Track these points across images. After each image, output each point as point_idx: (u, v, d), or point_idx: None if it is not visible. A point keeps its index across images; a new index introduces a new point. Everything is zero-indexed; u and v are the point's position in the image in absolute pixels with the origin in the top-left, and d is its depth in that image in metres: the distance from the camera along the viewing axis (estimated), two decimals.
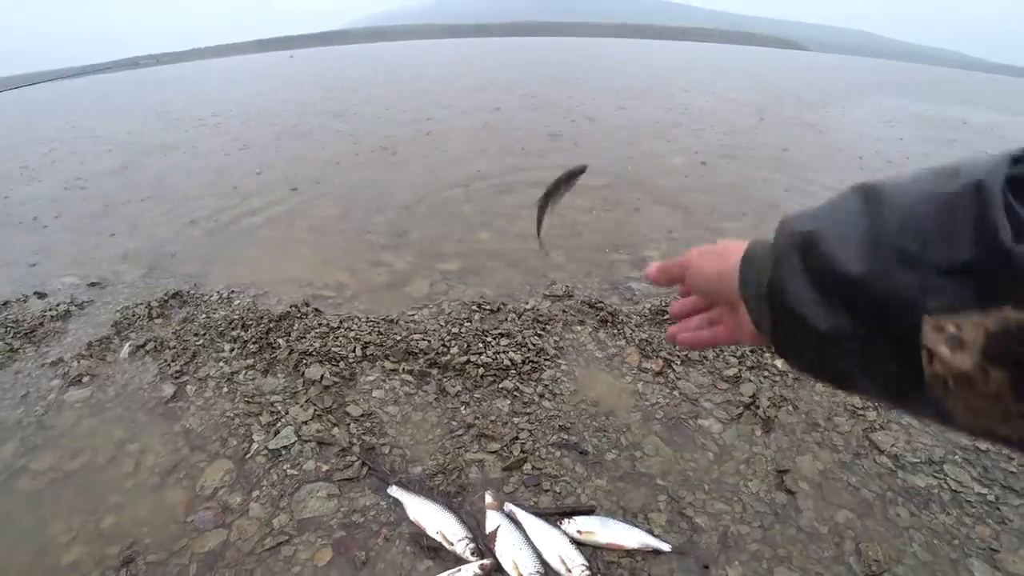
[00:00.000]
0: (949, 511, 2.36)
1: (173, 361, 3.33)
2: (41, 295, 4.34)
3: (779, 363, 3.22)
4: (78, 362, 3.38)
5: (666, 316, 3.63)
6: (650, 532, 2.22)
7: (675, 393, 2.99)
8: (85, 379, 3.26)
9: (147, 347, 3.49)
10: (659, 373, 3.12)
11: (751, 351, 3.28)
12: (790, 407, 2.90)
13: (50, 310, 4.03)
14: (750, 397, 2.93)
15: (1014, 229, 0.38)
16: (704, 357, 3.26)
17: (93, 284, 4.47)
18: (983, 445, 2.68)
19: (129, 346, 3.53)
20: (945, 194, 0.42)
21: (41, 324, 3.86)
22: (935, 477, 2.51)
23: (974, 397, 0.40)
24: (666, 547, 2.16)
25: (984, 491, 2.45)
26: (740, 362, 3.20)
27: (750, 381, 3.06)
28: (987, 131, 12.16)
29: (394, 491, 2.39)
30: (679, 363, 3.21)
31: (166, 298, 4.06)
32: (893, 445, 2.67)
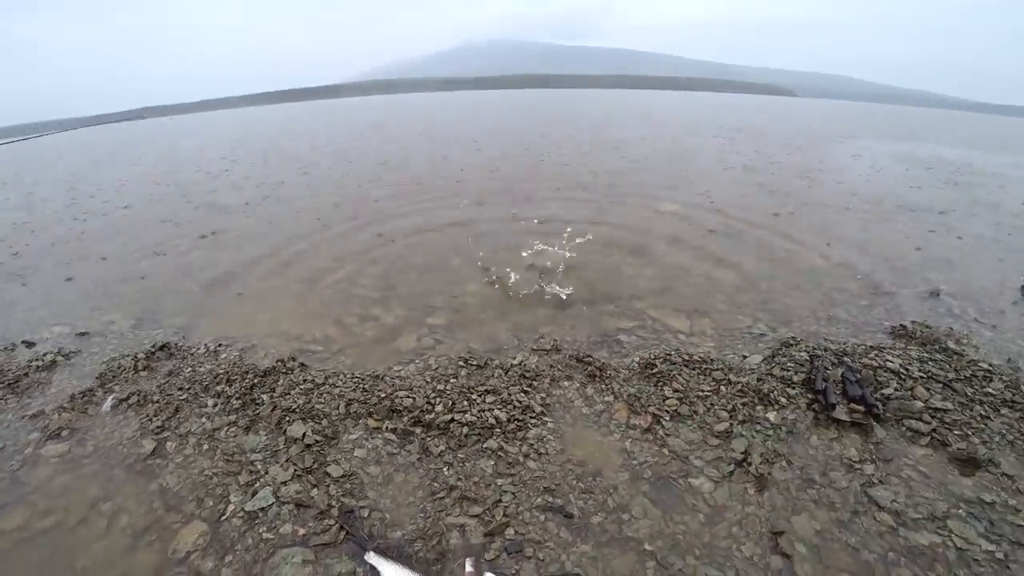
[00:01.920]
0: (955, 571, 2.23)
1: (155, 416, 3.26)
2: (29, 344, 4.31)
3: (772, 416, 3.14)
4: (59, 415, 3.33)
5: (656, 369, 3.57)
6: None
7: (664, 451, 2.90)
8: (64, 433, 3.19)
9: (130, 400, 3.43)
10: (647, 429, 3.04)
11: (743, 403, 3.20)
12: (784, 462, 2.81)
13: (36, 360, 3.99)
14: (742, 453, 2.84)
15: None
16: (694, 412, 3.18)
17: (82, 334, 4.44)
18: (987, 497, 2.58)
19: (112, 399, 3.47)
20: None
21: (26, 374, 3.81)
22: (939, 534, 2.40)
23: None
24: None
25: (992, 548, 2.33)
26: (731, 416, 3.12)
27: (742, 436, 2.98)
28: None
29: (372, 558, 2.30)
30: (668, 419, 3.13)
31: (153, 350, 4.01)
32: (893, 500, 2.57)
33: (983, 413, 3.14)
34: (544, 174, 10.68)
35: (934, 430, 2.98)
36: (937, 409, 3.14)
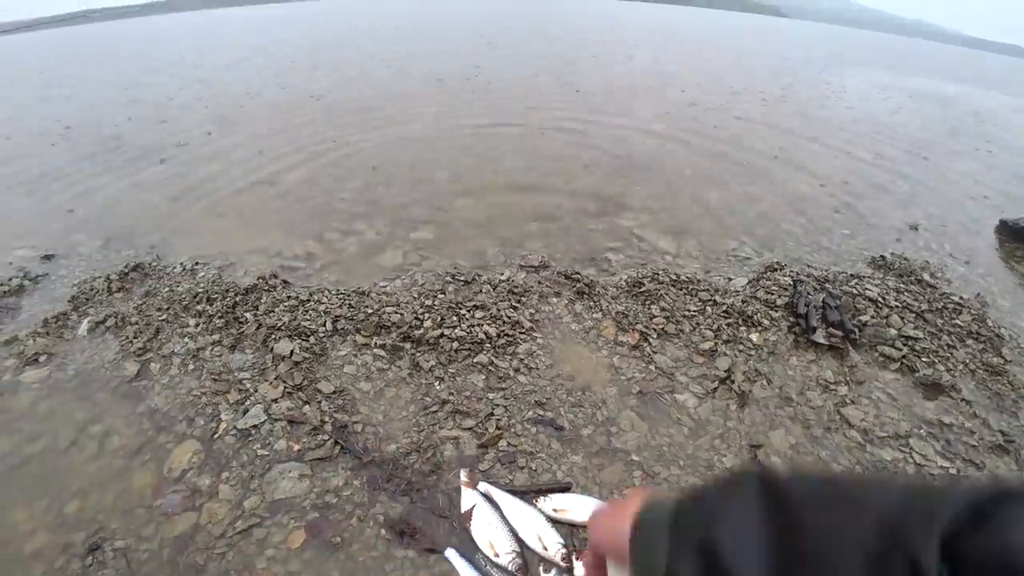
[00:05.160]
0: None
1: (136, 337, 3.19)
2: None
3: (754, 337, 3.24)
4: (34, 340, 3.22)
5: (643, 288, 3.61)
6: None
7: (651, 367, 2.98)
8: (42, 358, 3.10)
9: (107, 323, 3.34)
10: (635, 346, 3.11)
11: (727, 324, 3.28)
12: (764, 381, 2.92)
13: (2, 285, 3.81)
14: (725, 371, 2.94)
15: None
16: (680, 331, 3.25)
17: (48, 257, 4.24)
18: (947, 419, 2.75)
19: (88, 322, 3.36)
20: (867, 553, 0.39)
21: None
22: (901, 451, 2.56)
23: None
24: None
25: (947, 464, 2.51)
26: (716, 336, 3.20)
27: (726, 355, 3.07)
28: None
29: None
30: (655, 336, 3.20)
31: (126, 271, 3.87)
32: (863, 419, 2.71)
33: (950, 343, 3.29)
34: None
35: (904, 356, 3.12)
36: (909, 337, 3.27)
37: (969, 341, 3.31)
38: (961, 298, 3.72)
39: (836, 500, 0.44)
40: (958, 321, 3.46)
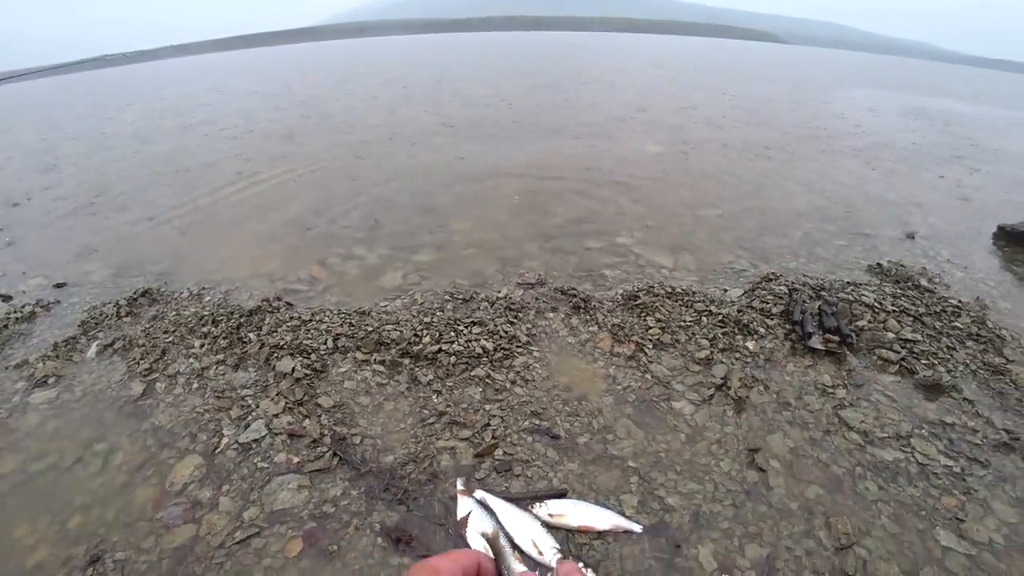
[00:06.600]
0: (916, 483, 2.39)
1: (142, 359, 3.26)
2: (6, 298, 4.23)
3: (750, 345, 3.25)
4: (43, 363, 3.30)
5: (639, 301, 3.65)
6: (621, 513, 2.22)
7: (647, 376, 3.00)
8: (51, 380, 3.18)
9: (115, 346, 3.42)
10: (631, 357, 3.13)
11: (723, 333, 3.31)
12: (761, 387, 2.92)
13: (14, 312, 3.93)
14: (722, 378, 2.95)
15: None
16: (676, 341, 3.27)
17: (59, 285, 4.36)
18: (949, 419, 2.73)
19: (96, 345, 3.45)
20: None
21: (5, 327, 3.76)
22: (903, 451, 2.55)
23: None
24: (637, 528, 2.16)
25: (950, 463, 2.49)
26: (712, 344, 3.22)
27: (722, 363, 3.08)
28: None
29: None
30: (651, 347, 3.22)
31: (135, 296, 3.98)
32: (862, 421, 2.70)
33: (950, 345, 3.28)
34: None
35: (903, 359, 3.12)
36: (907, 340, 3.27)
37: (969, 343, 3.30)
38: (960, 301, 3.71)
39: None
40: (957, 324, 3.45)
